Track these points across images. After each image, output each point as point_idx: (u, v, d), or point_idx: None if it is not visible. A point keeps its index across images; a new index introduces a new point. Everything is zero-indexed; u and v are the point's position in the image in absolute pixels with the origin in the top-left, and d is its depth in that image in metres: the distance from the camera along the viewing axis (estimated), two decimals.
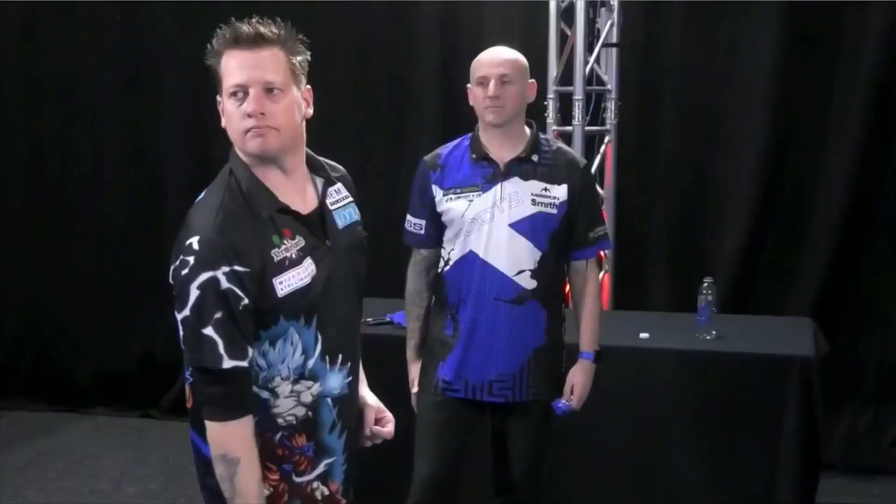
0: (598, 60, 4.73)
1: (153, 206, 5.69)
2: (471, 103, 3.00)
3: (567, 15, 4.70)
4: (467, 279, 2.94)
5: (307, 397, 2.06)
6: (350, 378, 2.13)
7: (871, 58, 4.69)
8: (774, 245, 4.94)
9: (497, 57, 2.96)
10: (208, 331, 1.90)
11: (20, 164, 5.87)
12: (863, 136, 4.73)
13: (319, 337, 2.04)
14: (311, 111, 2.07)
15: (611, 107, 4.78)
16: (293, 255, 2.00)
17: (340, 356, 2.09)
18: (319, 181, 2.12)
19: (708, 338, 3.71)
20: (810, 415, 3.46)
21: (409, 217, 3.08)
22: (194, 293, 1.89)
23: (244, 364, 1.93)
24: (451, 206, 2.96)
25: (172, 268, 1.93)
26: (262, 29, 1.97)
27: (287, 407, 2.05)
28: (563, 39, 4.74)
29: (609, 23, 4.71)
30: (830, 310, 4.74)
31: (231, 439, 1.95)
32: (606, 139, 4.81)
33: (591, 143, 4.81)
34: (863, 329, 4.85)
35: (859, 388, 4.86)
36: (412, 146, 5.11)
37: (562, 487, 3.68)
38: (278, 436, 2.05)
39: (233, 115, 1.98)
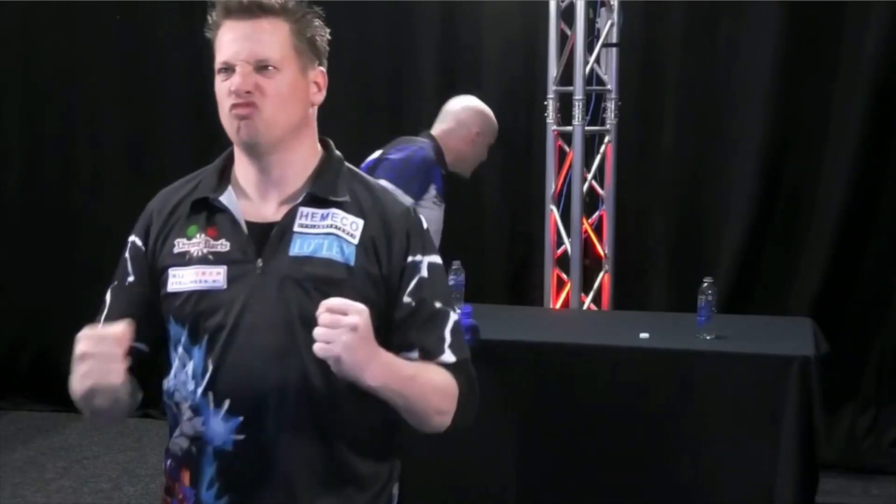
0: (598, 60, 4.72)
1: None
2: (467, 147, 3.80)
3: (567, 15, 4.70)
4: None
5: (193, 431, 1.74)
6: (243, 436, 1.70)
7: (871, 58, 4.69)
8: (774, 245, 4.93)
9: None
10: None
11: (20, 165, 5.86)
12: (863, 136, 4.73)
13: (210, 367, 1.72)
14: (321, 97, 1.80)
15: (611, 107, 4.78)
16: (199, 254, 1.74)
17: (228, 402, 1.70)
18: (302, 195, 1.75)
19: (708, 338, 3.70)
20: (809, 415, 3.44)
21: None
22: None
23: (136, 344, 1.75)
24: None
25: None
26: None
27: (182, 432, 1.76)
28: (563, 39, 4.74)
29: (609, 23, 4.71)
30: (830, 310, 4.73)
31: None
32: (606, 139, 4.81)
33: (591, 143, 4.81)
34: (863, 329, 4.84)
35: (859, 388, 4.85)
36: None
37: (560, 487, 3.67)
38: (169, 463, 1.80)
39: (218, 96, 1.70)
